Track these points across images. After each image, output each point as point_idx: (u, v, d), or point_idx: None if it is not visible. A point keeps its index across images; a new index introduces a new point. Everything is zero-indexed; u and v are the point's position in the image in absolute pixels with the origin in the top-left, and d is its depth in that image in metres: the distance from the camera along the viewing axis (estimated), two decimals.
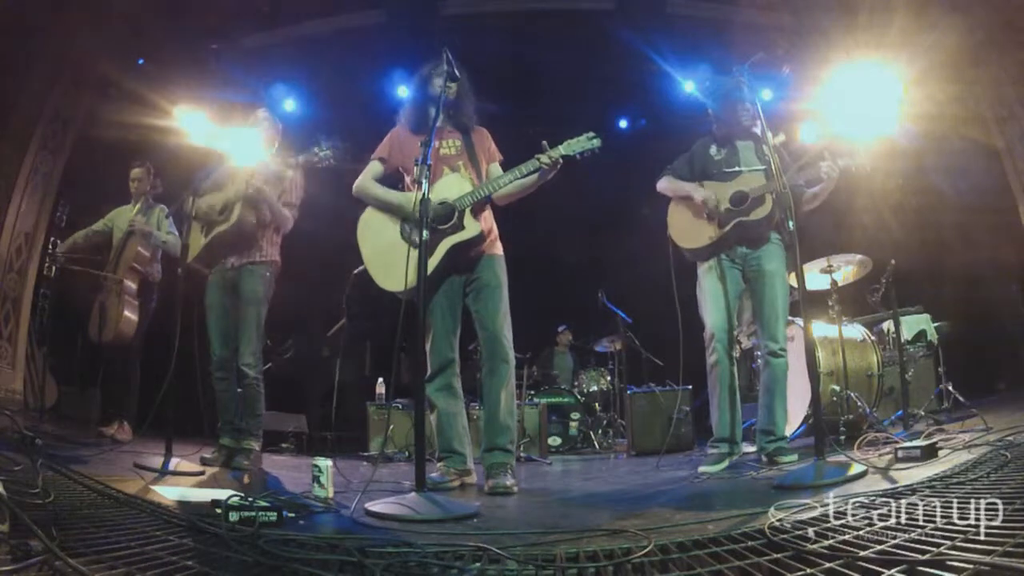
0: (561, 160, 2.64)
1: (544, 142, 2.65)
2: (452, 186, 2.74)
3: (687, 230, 3.14)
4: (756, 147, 3.08)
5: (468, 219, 2.69)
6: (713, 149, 3.17)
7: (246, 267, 3.25)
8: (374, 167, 2.92)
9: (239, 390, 3.26)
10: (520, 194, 2.83)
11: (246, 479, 2.95)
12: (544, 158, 2.63)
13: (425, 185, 2.28)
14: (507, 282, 2.84)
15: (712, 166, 3.12)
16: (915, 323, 4.29)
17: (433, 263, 2.65)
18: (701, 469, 2.88)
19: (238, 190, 3.17)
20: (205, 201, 3.29)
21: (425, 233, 2.23)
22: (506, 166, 2.86)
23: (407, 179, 2.90)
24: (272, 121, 3.47)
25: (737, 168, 3.06)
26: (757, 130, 3.06)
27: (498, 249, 2.87)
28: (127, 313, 3.93)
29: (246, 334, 3.19)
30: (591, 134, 2.67)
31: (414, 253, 2.63)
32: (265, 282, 3.28)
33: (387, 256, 2.77)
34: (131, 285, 4.01)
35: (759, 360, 3.15)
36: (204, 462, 3.07)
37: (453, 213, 2.68)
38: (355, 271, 2.87)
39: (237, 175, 3.27)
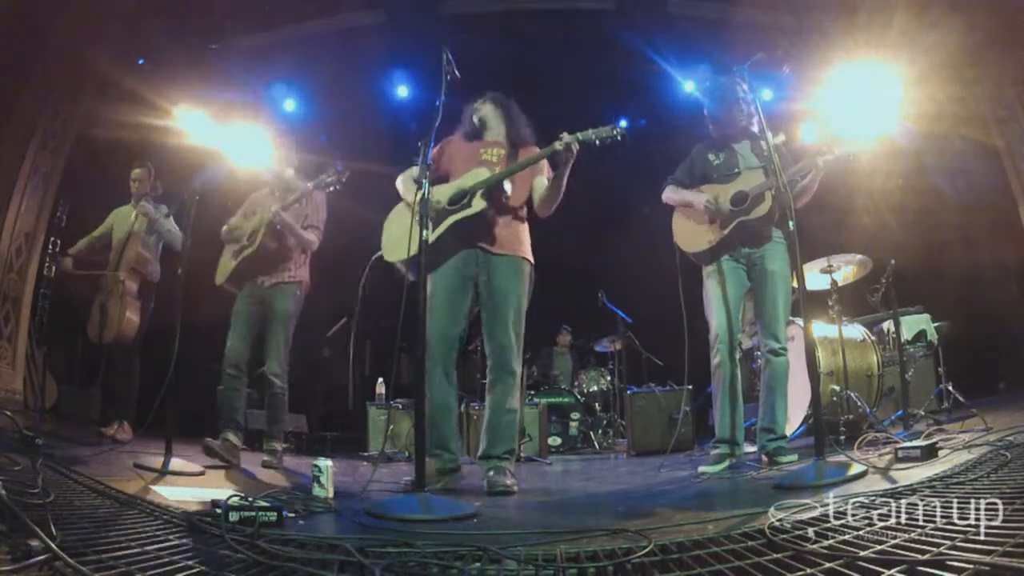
0: (577, 146, 2.61)
1: (564, 133, 2.64)
2: (474, 176, 2.77)
3: (690, 235, 3.15)
4: (754, 146, 3.09)
5: (476, 199, 2.70)
6: (711, 154, 3.18)
7: (278, 287, 3.47)
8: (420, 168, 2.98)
9: (239, 392, 3.40)
10: (553, 196, 2.81)
11: (272, 475, 3.10)
12: (558, 144, 2.62)
13: (425, 185, 2.29)
14: (527, 293, 2.81)
15: (712, 171, 3.14)
16: (915, 323, 4.29)
17: (436, 234, 2.67)
18: (701, 469, 2.88)
19: (263, 218, 3.40)
20: (239, 228, 3.54)
21: (425, 233, 2.24)
22: None
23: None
24: (290, 144, 3.66)
25: (737, 170, 3.07)
26: (754, 129, 3.07)
27: (523, 252, 2.85)
28: (129, 314, 3.94)
29: (275, 348, 3.41)
30: (614, 125, 2.64)
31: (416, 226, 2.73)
32: (296, 301, 3.51)
33: (398, 235, 2.83)
34: (132, 286, 4.02)
35: (760, 359, 3.15)
36: (207, 447, 3.16)
37: (465, 195, 2.71)
38: (374, 256, 2.95)
39: (265, 203, 3.51)
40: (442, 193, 2.77)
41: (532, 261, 2.88)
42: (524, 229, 2.91)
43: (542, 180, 2.88)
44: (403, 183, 2.95)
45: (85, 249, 4.27)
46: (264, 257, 3.42)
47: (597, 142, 2.62)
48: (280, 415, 3.48)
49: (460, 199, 2.71)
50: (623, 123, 7.00)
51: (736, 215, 2.98)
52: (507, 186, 2.76)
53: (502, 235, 2.79)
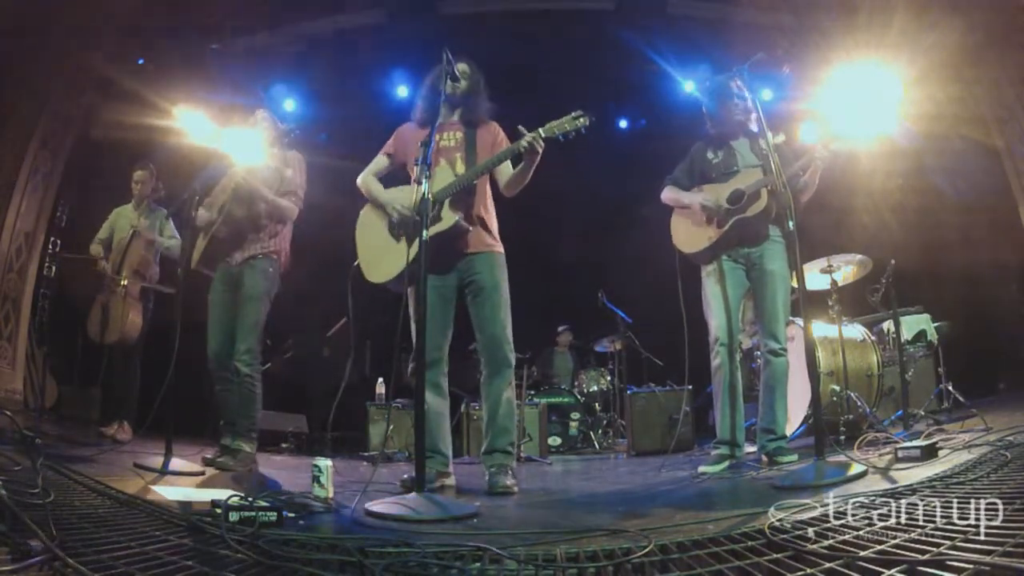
0: (542, 143, 2.56)
1: (520, 127, 2.59)
2: (437, 179, 2.69)
3: (687, 236, 3.16)
4: (752, 144, 3.10)
5: (446, 211, 2.65)
6: (710, 152, 3.19)
7: (248, 262, 3.21)
8: (379, 161, 2.95)
9: (232, 388, 3.18)
10: (519, 181, 2.77)
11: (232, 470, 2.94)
12: (522, 142, 2.57)
13: (425, 185, 2.29)
14: (507, 281, 2.81)
15: (710, 169, 3.15)
16: (915, 323, 4.29)
17: (411, 253, 2.62)
18: (701, 469, 2.89)
19: (228, 187, 3.20)
20: (207, 207, 3.31)
21: (425, 233, 2.24)
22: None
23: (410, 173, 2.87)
24: (272, 121, 3.47)
25: (735, 168, 3.08)
26: (752, 127, 3.08)
27: (498, 247, 2.85)
28: (132, 315, 3.94)
29: (243, 330, 3.12)
30: (576, 112, 2.54)
31: (396, 247, 2.71)
32: (268, 277, 3.21)
33: (375, 250, 2.81)
34: (134, 287, 4.02)
35: (759, 359, 3.15)
36: (207, 463, 3.04)
37: (433, 205, 2.64)
38: (354, 263, 2.90)
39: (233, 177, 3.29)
40: (414, 199, 2.67)
41: (502, 250, 2.86)
42: (492, 217, 2.88)
43: (507, 164, 2.82)
44: (364, 182, 2.89)
45: (102, 251, 4.21)
46: (233, 228, 3.14)
47: (561, 137, 2.54)
48: (250, 408, 3.10)
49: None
50: (623, 123, 7.01)
51: (733, 213, 2.99)
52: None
53: (475, 234, 2.77)
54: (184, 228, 3.25)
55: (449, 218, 2.65)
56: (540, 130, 2.57)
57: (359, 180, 2.92)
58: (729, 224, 3.00)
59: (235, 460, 3.03)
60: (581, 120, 2.53)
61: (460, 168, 2.77)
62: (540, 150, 2.59)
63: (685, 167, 3.25)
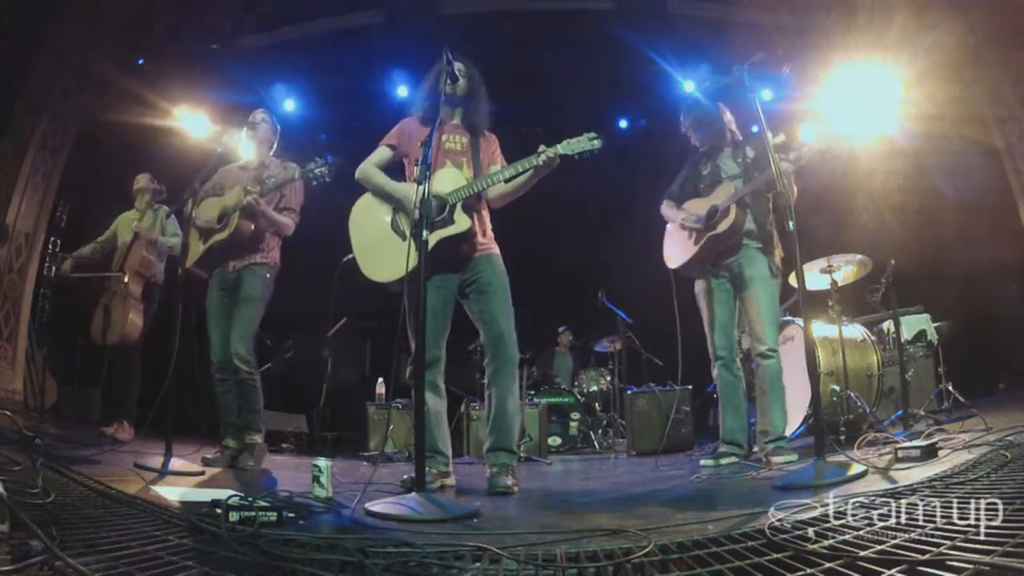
0: (558, 159, 2.58)
1: (542, 145, 2.60)
2: (447, 180, 2.69)
3: (673, 251, 3.29)
4: (734, 154, 3.20)
5: (459, 214, 2.64)
6: (701, 164, 3.30)
7: (247, 268, 3.28)
8: (381, 152, 2.90)
9: (232, 387, 3.24)
10: (514, 194, 2.79)
11: (251, 470, 3.00)
12: (541, 157, 2.58)
13: (426, 185, 2.28)
14: (508, 280, 2.81)
15: (700, 181, 3.26)
16: (915, 323, 4.29)
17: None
18: (702, 462, 2.97)
19: (237, 200, 3.19)
20: (206, 207, 3.33)
21: (426, 233, 2.23)
22: None
23: (408, 169, 2.87)
24: (270, 122, 3.49)
25: (721, 179, 3.18)
26: (737, 135, 3.21)
27: (495, 249, 2.85)
28: (132, 316, 3.94)
29: (239, 328, 3.19)
30: (592, 135, 2.59)
31: (402, 245, 2.65)
32: (265, 282, 3.30)
33: (376, 247, 2.76)
34: (136, 288, 4.02)
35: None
36: (207, 463, 3.07)
37: (444, 206, 2.63)
38: (344, 259, 2.86)
39: (237, 181, 3.32)
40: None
41: (498, 251, 2.87)
42: (486, 217, 2.88)
43: (497, 169, 2.80)
44: (367, 173, 2.84)
45: (89, 254, 4.24)
46: (236, 241, 3.21)
47: (576, 157, 2.58)
48: (254, 403, 3.22)
49: (440, 210, 2.62)
50: (623, 123, 7.01)
51: (706, 230, 3.07)
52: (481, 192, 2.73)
53: (479, 236, 2.78)
54: (184, 228, 3.26)
55: (463, 222, 2.65)
56: (558, 146, 2.58)
57: (360, 170, 2.86)
58: (703, 241, 3.10)
59: (252, 455, 3.12)
60: (596, 142, 2.58)
61: (467, 172, 2.77)
62: (554, 167, 2.60)
63: (680, 180, 3.37)
